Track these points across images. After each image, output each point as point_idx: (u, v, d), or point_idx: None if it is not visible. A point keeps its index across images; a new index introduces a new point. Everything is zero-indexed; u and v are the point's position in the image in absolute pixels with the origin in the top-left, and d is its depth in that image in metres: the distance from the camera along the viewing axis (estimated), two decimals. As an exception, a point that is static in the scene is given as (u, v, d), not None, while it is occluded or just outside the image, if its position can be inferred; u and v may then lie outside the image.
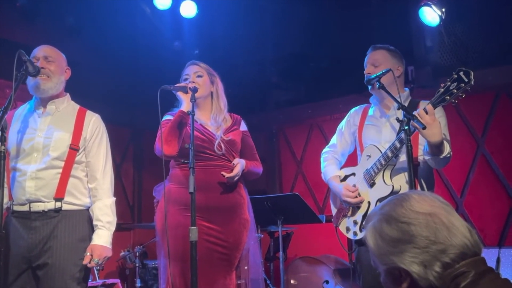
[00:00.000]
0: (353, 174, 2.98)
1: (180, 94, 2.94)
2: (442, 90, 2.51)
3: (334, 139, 3.19)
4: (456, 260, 1.22)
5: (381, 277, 1.33)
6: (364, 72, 2.95)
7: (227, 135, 3.01)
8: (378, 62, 2.89)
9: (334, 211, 3.09)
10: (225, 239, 2.88)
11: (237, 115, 3.21)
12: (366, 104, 3.11)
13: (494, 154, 5.11)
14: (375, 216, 1.35)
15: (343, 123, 3.16)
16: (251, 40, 5.42)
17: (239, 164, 2.92)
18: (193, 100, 2.80)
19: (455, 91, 2.46)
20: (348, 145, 3.13)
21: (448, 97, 2.48)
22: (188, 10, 4.94)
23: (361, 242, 2.84)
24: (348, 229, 2.93)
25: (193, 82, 3.00)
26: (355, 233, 2.87)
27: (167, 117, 3.01)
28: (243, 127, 3.18)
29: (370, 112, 3.03)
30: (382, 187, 2.76)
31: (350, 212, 2.92)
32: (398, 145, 2.66)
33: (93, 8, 4.70)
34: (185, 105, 2.89)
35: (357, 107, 3.15)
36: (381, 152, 2.78)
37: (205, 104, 3.09)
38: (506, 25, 4.67)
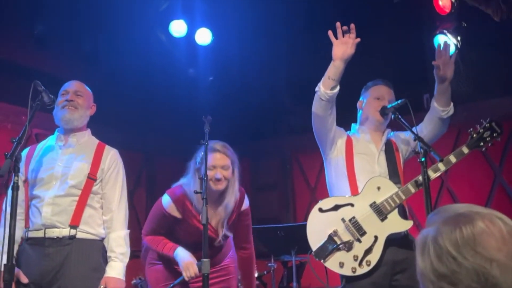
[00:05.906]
0: (351, 204, 2.77)
1: None
2: (476, 136, 2.78)
3: None
4: None
5: None
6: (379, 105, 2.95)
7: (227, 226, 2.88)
8: (382, 96, 2.96)
9: (314, 238, 2.80)
10: None
11: (242, 188, 2.94)
12: (346, 133, 3.04)
13: (512, 184, 5.02)
14: (442, 236, 1.10)
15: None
16: (264, 65, 5.43)
17: None
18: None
19: (488, 139, 2.80)
20: (331, 123, 2.98)
21: (482, 144, 2.82)
22: (203, 37, 4.99)
23: (352, 278, 2.70)
24: (342, 264, 2.71)
25: (220, 179, 2.73)
26: (353, 269, 2.68)
27: (168, 204, 2.83)
28: (245, 205, 2.96)
29: (355, 142, 2.97)
30: (398, 222, 2.71)
31: (347, 247, 2.72)
32: (420, 179, 2.62)
33: (110, 36, 4.76)
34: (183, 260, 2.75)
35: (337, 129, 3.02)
36: (396, 186, 2.72)
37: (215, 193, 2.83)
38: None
